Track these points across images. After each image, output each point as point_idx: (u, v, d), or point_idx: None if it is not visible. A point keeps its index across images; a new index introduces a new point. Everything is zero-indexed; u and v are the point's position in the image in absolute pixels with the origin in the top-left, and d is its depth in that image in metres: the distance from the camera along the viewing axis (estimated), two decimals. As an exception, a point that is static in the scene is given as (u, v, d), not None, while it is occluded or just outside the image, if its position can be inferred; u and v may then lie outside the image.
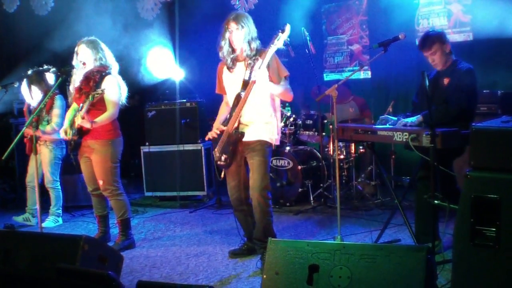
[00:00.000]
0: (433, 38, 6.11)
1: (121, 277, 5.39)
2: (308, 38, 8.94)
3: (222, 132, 6.19)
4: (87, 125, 6.65)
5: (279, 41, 5.81)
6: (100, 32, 8.62)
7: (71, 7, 11.71)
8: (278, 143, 6.36)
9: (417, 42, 6.28)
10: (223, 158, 6.18)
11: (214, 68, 6.57)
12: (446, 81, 6.06)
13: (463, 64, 6.08)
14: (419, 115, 5.87)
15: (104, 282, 3.73)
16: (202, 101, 10.19)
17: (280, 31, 5.81)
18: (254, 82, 5.83)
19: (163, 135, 10.17)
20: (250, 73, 5.93)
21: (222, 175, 6.39)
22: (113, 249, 5.42)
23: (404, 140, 5.47)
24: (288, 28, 5.82)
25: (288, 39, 5.91)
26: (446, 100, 5.89)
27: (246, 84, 5.97)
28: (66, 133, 7.06)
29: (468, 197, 3.92)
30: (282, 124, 9.27)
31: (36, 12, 12.78)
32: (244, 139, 6.10)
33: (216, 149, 6.29)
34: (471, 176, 3.96)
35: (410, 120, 5.92)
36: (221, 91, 6.54)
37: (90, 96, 6.59)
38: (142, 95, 11.78)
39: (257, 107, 6.08)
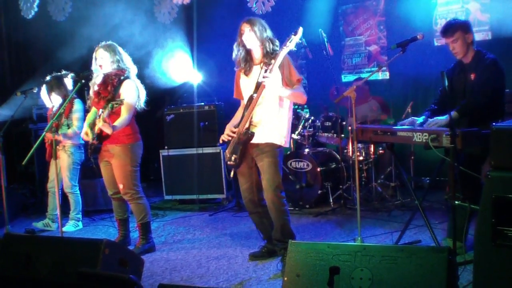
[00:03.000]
0: (456, 26, 6.07)
1: (142, 280, 5.41)
2: (325, 39, 8.92)
3: (234, 133, 6.22)
4: (108, 130, 6.63)
5: (291, 43, 5.88)
6: (118, 37, 8.68)
7: (89, 12, 11.75)
8: (287, 145, 6.34)
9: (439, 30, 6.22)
10: (233, 158, 6.18)
11: (232, 71, 6.59)
12: (472, 76, 6.02)
13: (487, 56, 6.05)
14: (447, 116, 5.83)
15: (126, 285, 3.74)
16: (221, 104, 10.21)
17: (293, 33, 5.87)
18: (264, 86, 5.88)
19: (182, 138, 10.20)
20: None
21: (232, 175, 6.39)
22: (133, 252, 5.43)
23: (424, 140, 5.44)
24: (300, 30, 5.89)
25: (304, 40, 5.93)
26: (473, 93, 5.89)
27: (259, 86, 6.02)
28: (87, 134, 7.08)
29: (489, 197, 3.90)
30: (301, 126, 9.26)
31: (54, 18, 12.81)
32: (254, 141, 6.13)
33: (227, 150, 6.31)
34: (492, 176, 3.94)
35: (440, 118, 5.87)
36: (238, 96, 6.58)
37: (110, 105, 6.56)
38: (161, 99, 11.80)
39: (268, 108, 6.11)
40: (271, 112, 6.12)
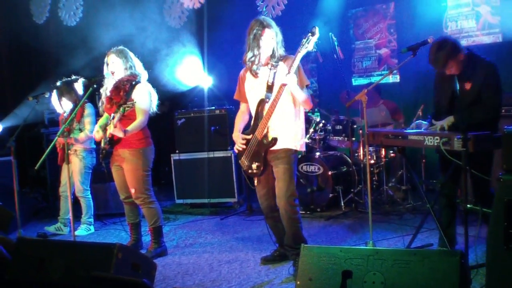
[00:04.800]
0: (447, 57, 5.75)
1: (154, 284, 5.42)
2: (336, 43, 8.93)
3: (248, 141, 6.18)
4: (119, 134, 6.67)
5: (310, 43, 5.73)
6: (128, 41, 8.71)
7: (100, 17, 11.80)
8: (303, 148, 6.34)
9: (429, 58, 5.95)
10: (255, 166, 6.10)
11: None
12: (468, 85, 5.82)
13: (480, 63, 5.85)
14: (450, 116, 5.81)
15: (139, 290, 3.76)
16: (231, 108, 10.19)
17: (310, 33, 5.73)
18: (285, 84, 5.77)
19: (192, 142, 10.21)
20: (274, 77, 5.93)
21: (256, 183, 6.33)
22: (146, 256, 5.44)
23: (436, 144, 5.44)
24: (317, 30, 5.74)
25: (318, 41, 5.87)
26: (473, 103, 5.78)
27: (270, 89, 5.95)
28: (98, 132, 7.12)
29: (502, 200, 3.90)
30: (312, 129, 9.26)
31: (65, 23, 12.91)
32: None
33: (243, 158, 6.23)
34: (504, 179, 3.94)
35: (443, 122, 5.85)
36: (240, 98, 6.49)
37: (122, 108, 6.59)
38: (171, 103, 11.85)
39: (283, 112, 6.01)
40: (286, 115, 6.04)
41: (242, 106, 6.51)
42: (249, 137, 6.13)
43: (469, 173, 5.22)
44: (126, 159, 6.99)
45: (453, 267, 3.63)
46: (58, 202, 9.19)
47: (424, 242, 6.77)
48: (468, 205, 5.05)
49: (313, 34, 5.73)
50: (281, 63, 5.99)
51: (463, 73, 5.88)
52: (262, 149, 6.04)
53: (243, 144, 6.19)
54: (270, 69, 6.01)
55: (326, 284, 3.97)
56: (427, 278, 3.68)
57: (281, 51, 6.08)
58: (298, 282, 4.12)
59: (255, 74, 6.17)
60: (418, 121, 6.35)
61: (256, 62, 6.09)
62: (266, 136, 5.99)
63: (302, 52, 5.79)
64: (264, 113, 5.98)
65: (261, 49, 6.03)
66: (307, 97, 6.02)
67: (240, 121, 6.45)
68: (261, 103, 6.04)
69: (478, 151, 5.12)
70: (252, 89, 6.24)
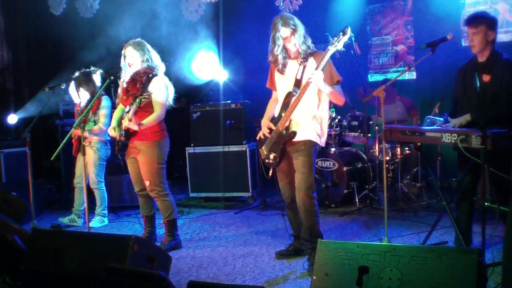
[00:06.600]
0: (483, 19, 5.80)
1: (169, 277, 5.42)
2: (353, 38, 8.90)
3: (271, 130, 6.20)
4: (134, 127, 6.70)
5: (340, 43, 5.76)
6: (145, 34, 8.71)
7: (116, 9, 11.81)
8: (323, 144, 6.32)
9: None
10: (272, 156, 6.17)
11: (258, 70, 6.60)
12: (487, 78, 5.77)
13: (504, 56, 5.83)
14: (467, 115, 5.77)
15: (155, 282, 3.76)
16: (247, 102, 10.19)
17: (341, 32, 5.75)
18: (310, 82, 5.81)
19: (208, 136, 10.21)
20: (303, 72, 5.96)
21: (270, 174, 6.36)
22: (161, 249, 5.45)
23: (453, 141, 5.40)
24: (349, 30, 5.74)
25: (348, 41, 5.86)
26: (493, 97, 5.72)
27: (298, 83, 5.99)
28: (114, 130, 7.11)
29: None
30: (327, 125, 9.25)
31: (81, 15, 12.91)
32: None
33: (263, 147, 6.29)
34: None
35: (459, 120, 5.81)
36: (271, 86, 6.52)
37: (138, 100, 6.61)
38: (186, 96, 11.85)
39: (307, 107, 6.04)
40: (309, 110, 6.07)
41: (274, 94, 6.55)
42: (273, 127, 6.18)
43: (488, 170, 5.19)
44: (141, 151, 7.00)
45: (470, 265, 3.61)
46: (72, 194, 9.22)
47: (439, 239, 6.73)
48: (486, 203, 5.02)
49: (344, 33, 5.75)
50: (310, 58, 6.03)
51: (485, 64, 5.85)
52: (281, 140, 6.10)
53: (268, 132, 6.23)
54: (300, 63, 6.06)
55: (343, 280, 3.96)
56: (444, 275, 3.66)
57: (305, 46, 6.08)
58: (314, 277, 4.11)
59: (281, 71, 6.23)
60: (431, 117, 6.30)
61: (279, 61, 6.17)
62: (287, 128, 6.04)
63: (331, 50, 5.82)
64: (289, 106, 6.03)
65: (280, 47, 6.09)
66: (337, 93, 6.06)
67: (272, 108, 6.49)
68: (288, 96, 6.10)
69: (497, 149, 5.08)
70: (281, 79, 6.29)
